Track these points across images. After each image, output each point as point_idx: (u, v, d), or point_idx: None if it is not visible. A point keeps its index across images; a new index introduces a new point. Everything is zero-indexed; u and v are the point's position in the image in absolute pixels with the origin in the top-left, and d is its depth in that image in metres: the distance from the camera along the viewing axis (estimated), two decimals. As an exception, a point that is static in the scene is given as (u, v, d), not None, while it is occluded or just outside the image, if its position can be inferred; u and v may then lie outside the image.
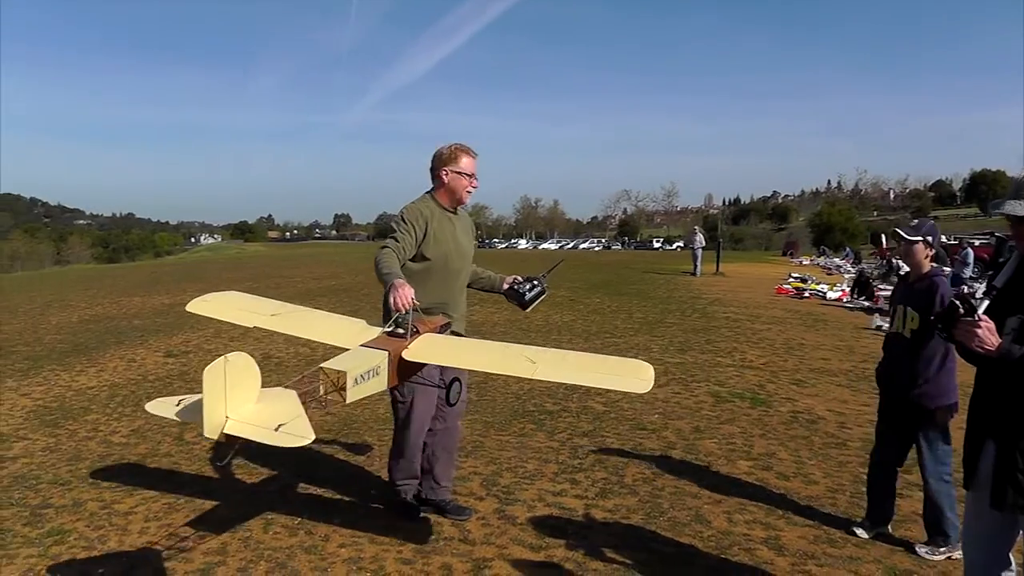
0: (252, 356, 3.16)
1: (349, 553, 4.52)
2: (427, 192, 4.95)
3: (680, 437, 6.97)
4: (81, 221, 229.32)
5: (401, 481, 5.05)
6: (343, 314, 4.41)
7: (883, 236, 37.46)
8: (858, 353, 11.90)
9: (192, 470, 6.06)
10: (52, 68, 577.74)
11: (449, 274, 4.86)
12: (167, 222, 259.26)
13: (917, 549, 4.60)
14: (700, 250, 31.25)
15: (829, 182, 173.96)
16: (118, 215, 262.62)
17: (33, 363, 10.74)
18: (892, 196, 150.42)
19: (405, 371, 4.05)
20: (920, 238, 4.68)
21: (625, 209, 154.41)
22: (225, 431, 3.01)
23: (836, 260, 41.08)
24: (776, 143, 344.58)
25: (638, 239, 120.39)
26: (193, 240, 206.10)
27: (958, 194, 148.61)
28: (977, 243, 31.10)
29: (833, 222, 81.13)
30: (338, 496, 5.47)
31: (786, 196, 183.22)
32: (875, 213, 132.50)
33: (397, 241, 4.61)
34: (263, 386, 3.29)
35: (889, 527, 4.89)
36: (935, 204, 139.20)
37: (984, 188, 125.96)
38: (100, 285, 27.68)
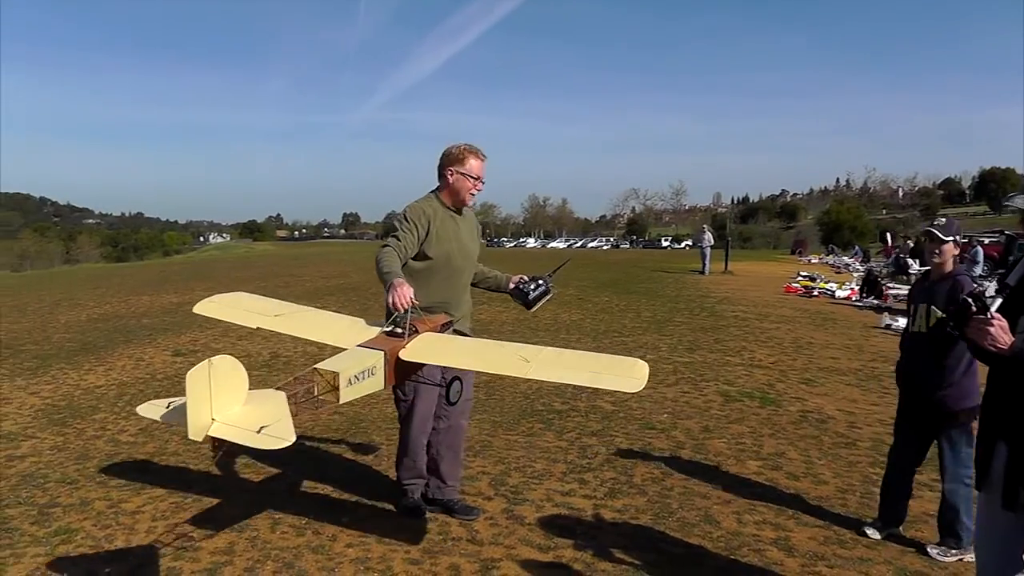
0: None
1: (356, 553, 4.50)
2: (432, 191, 4.94)
3: (689, 437, 6.94)
4: (90, 220, 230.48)
5: (407, 480, 5.04)
6: (352, 313, 4.41)
7: (889, 234, 37.38)
8: (867, 352, 11.85)
9: (200, 469, 6.05)
10: (61, 68, 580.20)
11: (452, 273, 4.84)
12: (176, 221, 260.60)
13: (929, 550, 4.55)
14: (708, 249, 31.19)
15: (838, 180, 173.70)
16: (127, 214, 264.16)
17: (42, 362, 10.76)
18: (901, 194, 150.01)
19: (403, 371, 4.06)
20: (952, 238, 4.62)
21: (633, 208, 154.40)
22: (209, 433, 3.03)
23: (845, 258, 40.95)
24: (784, 141, 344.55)
25: (646, 238, 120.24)
26: (202, 239, 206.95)
27: (967, 192, 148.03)
28: (987, 241, 30.95)
29: (842, 220, 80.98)
30: (345, 496, 5.46)
31: (795, 194, 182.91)
32: (884, 211, 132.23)
33: (399, 240, 4.60)
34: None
35: (900, 528, 4.85)
36: (944, 202, 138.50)
37: (993, 186, 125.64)
38: (109, 284, 27.72)
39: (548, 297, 5.00)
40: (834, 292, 21.93)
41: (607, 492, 5.53)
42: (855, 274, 28.31)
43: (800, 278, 25.67)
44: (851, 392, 8.92)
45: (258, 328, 4.60)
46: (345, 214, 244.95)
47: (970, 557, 4.33)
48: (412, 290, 4.15)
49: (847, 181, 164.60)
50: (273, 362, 10.20)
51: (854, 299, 20.71)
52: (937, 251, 4.60)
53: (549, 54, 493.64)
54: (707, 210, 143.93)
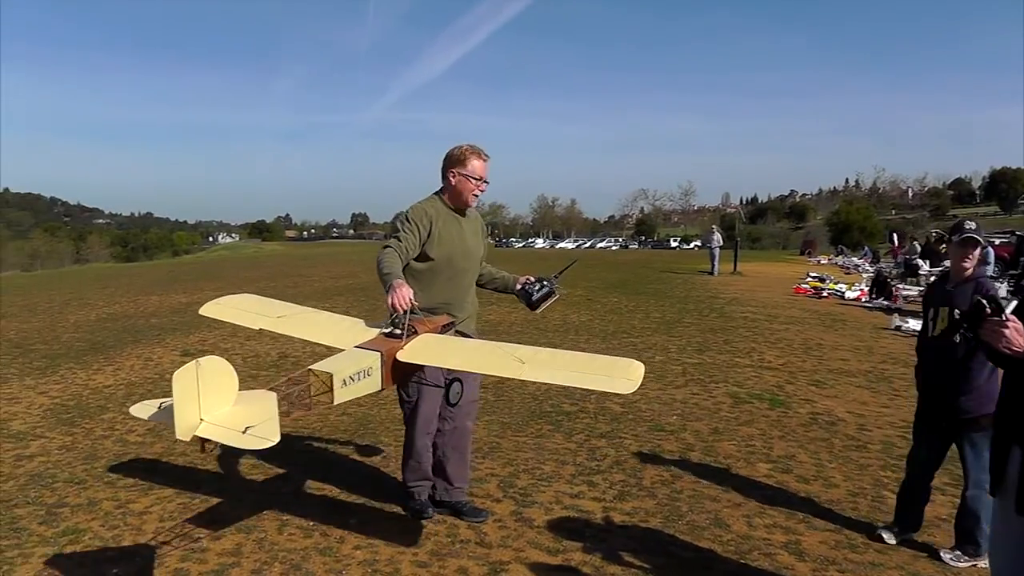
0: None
1: (364, 555, 4.48)
2: (436, 192, 4.93)
3: (699, 439, 6.90)
4: (100, 220, 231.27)
5: (413, 482, 5.03)
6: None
7: (896, 234, 37.21)
8: (877, 354, 11.79)
9: (208, 470, 6.05)
10: (71, 69, 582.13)
11: (454, 274, 4.84)
12: (185, 221, 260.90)
13: (942, 555, 4.51)
14: (717, 249, 31.16)
15: (847, 180, 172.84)
16: (137, 214, 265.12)
17: (51, 361, 10.77)
18: (910, 194, 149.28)
19: (401, 372, 4.07)
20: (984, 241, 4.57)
21: (642, 208, 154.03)
22: (197, 433, 3.06)
23: (854, 259, 40.77)
24: (793, 141, 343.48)
25: (655, 238, 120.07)
26: (211, 239, 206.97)
27: (977, 192, 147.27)
28: (997, 242, 30.77)
29: (851, 221, 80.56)
30: (353, 497, 5.44)
31: (804, 195, 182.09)
32: (893, 212, 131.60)
33: (400, 241, 4.60)
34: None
35: (915, 534, 4.80)
36: (954, 203, 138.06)
37: (1004, 186, 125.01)
38: (118, 284, 27.81)
39: (553, 299, 4.98)
40: (843, 293, 21.86)
41: (616, 495, 5.50)
42: (864, 275, 28.21)
43: (809, 279, 25.61)
44: (861, 394, 8.88)
45: (261, 330, 4.64)
46: (354, 214, 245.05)
47: (984, 563, 4.28)
48: (411, 291, 4.17)
49: (856, 181, 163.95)
50: (281, 362, 10.18)
51: (864, 300, 20.65)
52: (971, 256, 4.53)
53: (558, 54, 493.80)
54: (716, 210, 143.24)
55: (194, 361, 3.08)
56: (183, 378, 3.02)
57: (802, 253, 56.34)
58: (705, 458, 6.37)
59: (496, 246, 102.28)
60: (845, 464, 6.26)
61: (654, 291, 22.63)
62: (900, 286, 20.66)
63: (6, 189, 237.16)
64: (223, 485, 5.70)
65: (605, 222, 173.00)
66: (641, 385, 3.56)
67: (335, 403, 3.68)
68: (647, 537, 4.79)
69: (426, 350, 4.04)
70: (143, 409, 3.39)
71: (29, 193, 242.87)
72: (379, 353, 3.88)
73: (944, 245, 23.64)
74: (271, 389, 3.43)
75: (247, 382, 3.97)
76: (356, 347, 3.96)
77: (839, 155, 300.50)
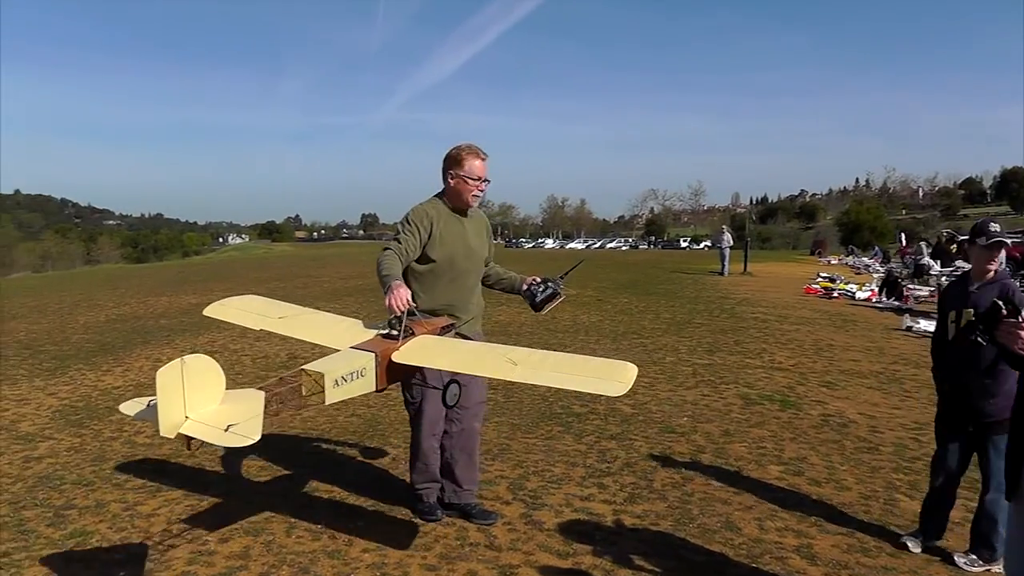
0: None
1: (373, 558, 4.45)
2: (437, 193, 4.92)
3: (709, 441, 6.86)
4: (111, 221, 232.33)
5: (420, 485, 5.01)
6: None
7: (904, 234, 37.05)
8: (888, 354, 11.73)
9: (216, 472, 6.04)
10: (81, 71, 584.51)
11: (457, 276, 4.82)
12: (195, 222, 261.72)
13: (956, 559, 4.45)
14: (728, 249, 31.06)
15: (857, 180, 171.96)
16: (147, 215, 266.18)
17: (60, 362, 10.79)
18: (921, 194, 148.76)
19: (396, 373, 4.07)
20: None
21: (652, 208, 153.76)
22: (181, 431, 3.08)
23: (864, 259, 40.60)
24: (803, 141, 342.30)
25: (665, 238, 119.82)
26: (221, 240, 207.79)
27: (988, 192, 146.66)
28: (1009, 242, 30.57)
29: (861, 221, 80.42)
30: (362, 500, 5.41)
31: (814, 195, 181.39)
32: (904, 211, 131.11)
33: (399, 243, 4.61)
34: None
35: (939, 540, 4.71)
36: (965, 202, 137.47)
37: (1015, 186, 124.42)
38: (128, 285, 27.90)
39: (558, 300, 4.96)
40: (854, 293, 21.77)
41: (627, 497, 5.46)
42: (875, 275, 28.10)
43: (820, 279, 25.52)
44: (872, 395, 8.82)
45: (261, 330, 4.67)
46: (364, 215, 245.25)
47: (998, 568, 4.23)
48: (409, 292, 4.18)
49: (866, 181, 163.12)
50: (291, 363, 10.13)
51: (874, 301, 20.55)
52: (996, 258, 4.46)
53: (568, 54, 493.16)
54: (726, 210, 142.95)
55: (179, 359, 3.10)
56: (167, 376, 3.05)
57: (812, 253, 56.21)
58: (716, 460, 6.32)
59: (506, 246, 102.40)
60: (857, 466, 6.20)
61: (664, 292, 22.58)
62: (911, 286, 20.55)
63: (17, 191, 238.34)
64: (231, 487, 5.69)
65: (615, 222, 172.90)
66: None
67: (327, 403, 3.72)
68: (658, 540, 4.75)
69: (421, 351, 4.04)
70: (131, 406, 3.43)
71: (40, 195, 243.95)
72: (374, 354, 3.90)
73: (954, 245, 23.57)
74: (261, 388, 3.46)
75: (256, 383, 3.96)
76: (352, 348, 3.98)
77: (849, 155, 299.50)
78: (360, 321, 4.47)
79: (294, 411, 3.70)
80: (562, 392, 8.34)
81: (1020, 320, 2.77)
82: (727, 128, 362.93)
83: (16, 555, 4.50)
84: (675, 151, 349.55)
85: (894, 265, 30.48)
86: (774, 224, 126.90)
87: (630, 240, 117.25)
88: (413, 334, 4.12)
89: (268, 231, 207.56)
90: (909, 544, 4.67)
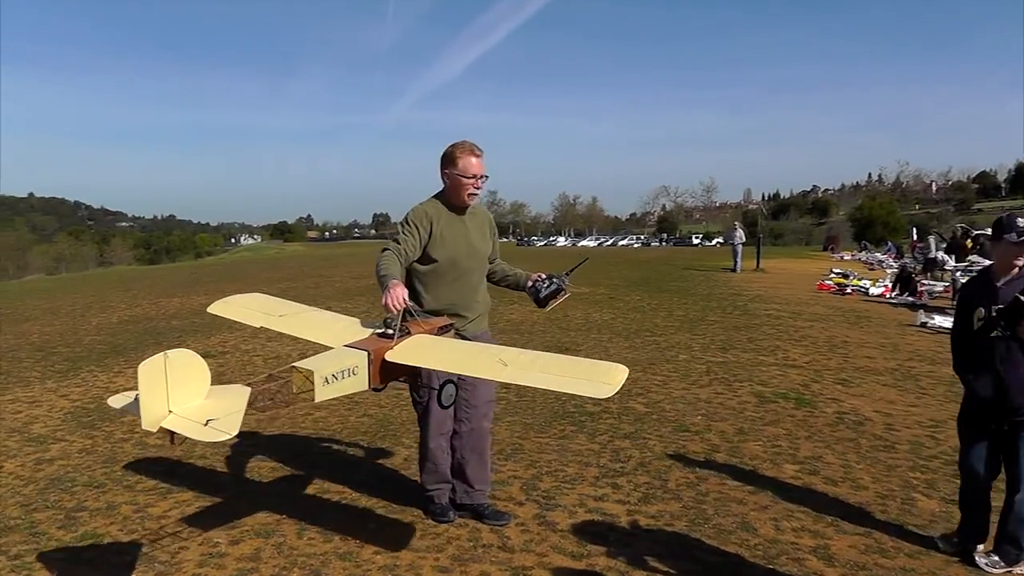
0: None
1: (384, 560, 4.41)
2: (436, 193, 4.89)
3: (724, 439, 6.79)
4: (123, 223, 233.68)
5: (431, 486, 4.99)
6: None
7: (915, 229, 36.82)
8: (903, 351, 11.63)
9: (227, 473, 6.01)
10: (92, 74, 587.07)
11: (459, 275, 4.79)
12: (207, 223, 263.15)
13: (977, 560, 4.36)
14: (740, 246, 30.94)
15: (870, 175, 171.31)
16: (159, 217, 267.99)
17: (72, 364, 10.80)
18: (934, 189, 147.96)
19: (390, 372, 4.06)
20: None
21: (664, 205, 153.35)
22: (163, 425, 3.08)
23: (878, 255, 40.39)
24: (815, 136, 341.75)
25: (677, 235, 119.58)
26: (233, 241, 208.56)
27: (1003, 185, 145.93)
28: None
29: (874, 216, 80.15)
30: (374, 501, 5.37)
31: (826, 190, 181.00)
32: (917, 206, 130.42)
33: (398, 243, 4.59)
34: None
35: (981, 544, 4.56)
36: (979, 196, 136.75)
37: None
38: (140, 286, 27.95)
39: (563, 296, 4.91)
40: (868, 289, 21.64)
41: (641, 497, 5.41)
42: (888, 271, 27.94)
43: (833, 275, 25.37)
44: (888, 393, 8.73)
45: (262, 327, 4.66)
46: (375, 214, 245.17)
47: (1020, 570, 4.16)
48: (406, 292, 4.16)
49: (879, 176, 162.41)
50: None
51: (888, 296, 20.42)
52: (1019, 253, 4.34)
53: (578, 51, 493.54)
54: (738, 207, 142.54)
55: (161, 353, 3.09)
56: (149, 370, 3.05)
57: (825, 249, 55.99)
58: (731, 459, 6.26)
59: (518, 245, 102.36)
60: (873, 465, 6.13)
61: (677, 289, 22.49)
62: (925, 282, 20.41)
63: (31, 194, 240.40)
64: (242, 488, 5.66)
65: (627, 220, 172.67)
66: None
67: (316, 400, 3.72)
68: (673, 541, 4.70)
69: (415, 351, 4.03)
70: (119, 400, 3.44)
71: (53, 197, 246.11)
72: (366, 353, 3.89)
73: (969, 240, 23.37)
74: (249, 384, 3.46)
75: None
76: (345, 346, 3.98)
77: (862, 150, 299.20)
78: (358, 320, 4.46)
79: (283, 408, 3.72)
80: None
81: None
82: (739, 124, 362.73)
83: (27, 557, 4.48)
84: (687, 148, 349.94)
85: (908, 260, 30.30)
86: (786, 220, 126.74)
87: (642, 237, 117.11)
88: (409, 333, 4.11)
89: (280, 231, 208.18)
90: (940, 546, 4.58)
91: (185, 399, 3.16)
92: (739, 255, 30.74)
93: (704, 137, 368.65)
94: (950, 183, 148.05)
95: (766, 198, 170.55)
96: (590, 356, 10.64)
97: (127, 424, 7.34)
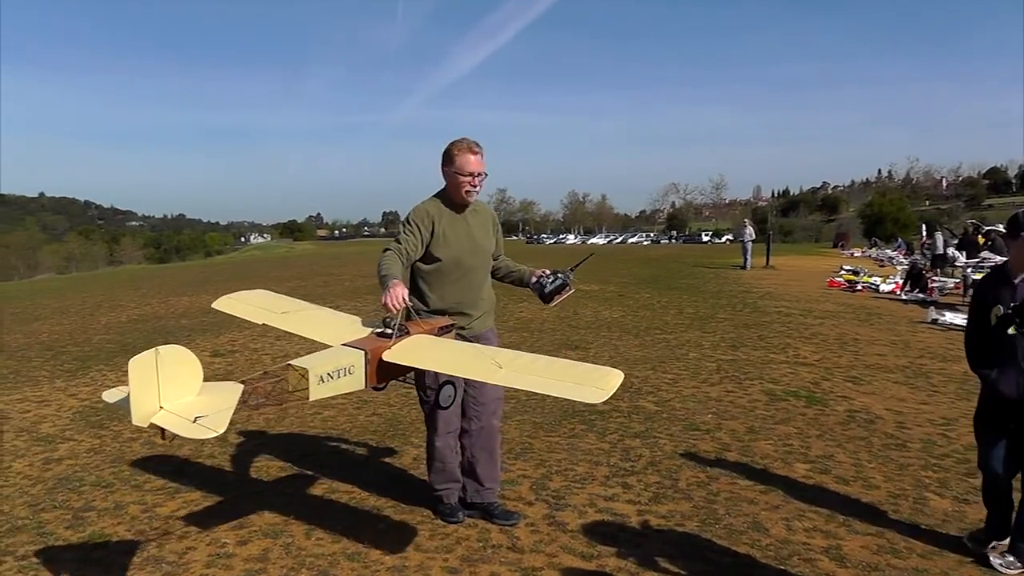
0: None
1: (393, 561, 4.38)
2: (437, 192, 4.87)
3: (735, 438, 6.75)
4: (134, 223, 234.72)
5: (440, 486, 4.96)
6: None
7: (924, 226, 36.64)
8: (914, 348, 11.55)
9: (235, 473, 5.99)
10: (103, 73, 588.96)
11: (463, 274, 4.77)
12: (217, 222, 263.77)
13: (992, 560, 4.30)
14: (750, 243, 30.90)
15: (879, 171, 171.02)
16: (169, 216, 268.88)
17: (81, 363, 10.80)
18: (945, 185, 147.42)
19: (387, 372, 4.05)
20: None
21: (673, 203, 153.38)
22: (153, 421, 3.07)
23: (888, 251, 40.25)
24: (825, 133, 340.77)
25: (686, 233, 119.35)
26: (243, 240, 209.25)
27: (1013, 181, 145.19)
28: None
29: (884, 212, 79.88)
30: (382, 501, 5.34)
31: (836, 187, 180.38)
32: (927, 202, 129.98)
33: (399, 243, 4.58)
34: None
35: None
36: (989, 192, 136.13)
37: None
38: (150, 285, 27.99)
39: (567, 292, 4.90)
40: (878, 286, 21.56)
41: (651, 497, 5.37)
42: (899, 267, 27.83)
43: (843, 272, 25.32)
44: (899, 390, 8.66)
45: (264, 324, 4.65)
46: (385, 213, 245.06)
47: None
48: (406, 291, 4.15)
49: (889, 172, 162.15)
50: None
51: (898, 293, 20.33)
52: None
53: (587, 49, 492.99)
54: (747, 204, 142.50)
55: (153, 349, 3.08)
56: (139, 366, 3.03)
57: (835, 246, 55.89)
58: (742, 458, 6.21)
59: (527, 242, 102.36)
60: (885, 464, 6.08)
61: (686, 286, 22.42)
62: (936, 278, 20.31)
63: (41, 194, 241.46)
64: (250, 488, 5.64)
65: (636, 217, 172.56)
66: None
67: (311, 399, 3.72)
68: (683, 541, 4.66)
69: (412, 351, 4.02)
70: (113, 395, 3.41)
71: (64, 197, 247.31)
72: (363, 352, 3.89)
73: (981, 236, 23.22)
74: (243, 381, 3.45)
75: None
76: (343, 345, 3.98)
77: (872, 146, 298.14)
78: (359, 319, 4.45)
79: (277, 406, 3.71)
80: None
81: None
82: (748, 121, 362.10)
83: (35, 558, 4.47)
84: (696, 145, 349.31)
85: (918, 257, 30.16)
86: (796, 217, 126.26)
87: (651, 235, 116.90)
88: (408, 333, 4.10)
89: (290, 230, 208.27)
90: (970, 546, 4.51)
91: (176, 395, 3.15)
92: (749, 252, 30.69)
93: (713, 134, 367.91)
94: (960, 179, 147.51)
95: (775, 195, 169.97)
96: (599, 354, 10.69)
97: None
